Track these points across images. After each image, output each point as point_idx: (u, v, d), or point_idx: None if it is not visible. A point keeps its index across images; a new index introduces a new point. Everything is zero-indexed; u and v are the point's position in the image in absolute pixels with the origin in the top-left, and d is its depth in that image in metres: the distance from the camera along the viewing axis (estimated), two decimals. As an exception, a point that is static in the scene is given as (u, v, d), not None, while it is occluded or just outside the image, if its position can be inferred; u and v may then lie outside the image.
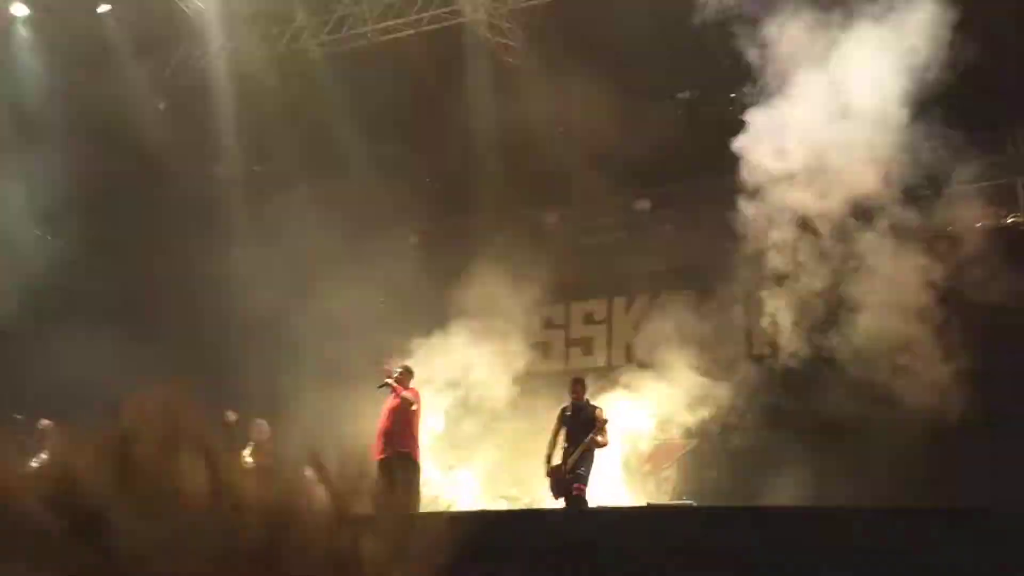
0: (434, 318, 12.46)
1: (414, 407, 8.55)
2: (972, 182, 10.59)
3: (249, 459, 10.19)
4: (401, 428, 8.38)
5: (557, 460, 8.72)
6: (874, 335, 9.33)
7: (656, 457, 11.45)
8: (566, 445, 8.68)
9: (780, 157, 9.81)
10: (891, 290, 9.29)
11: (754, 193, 10.03)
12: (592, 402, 9.11)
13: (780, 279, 10.62)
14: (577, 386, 8.99)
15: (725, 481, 10.77)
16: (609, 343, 13.18)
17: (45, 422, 10.55)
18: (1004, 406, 9.06)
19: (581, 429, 8.60)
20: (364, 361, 12.42)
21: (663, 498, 10.80)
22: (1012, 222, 11.20)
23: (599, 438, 8.53)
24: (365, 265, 12.43)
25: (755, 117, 9.87)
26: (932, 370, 9.00)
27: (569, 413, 8.84)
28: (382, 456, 8.16)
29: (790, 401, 10.78)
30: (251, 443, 10.30)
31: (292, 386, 12.36)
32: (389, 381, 8.52)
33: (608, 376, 11.85)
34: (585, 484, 8.41)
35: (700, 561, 4.46)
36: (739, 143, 9.93)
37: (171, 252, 13.46)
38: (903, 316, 9.19)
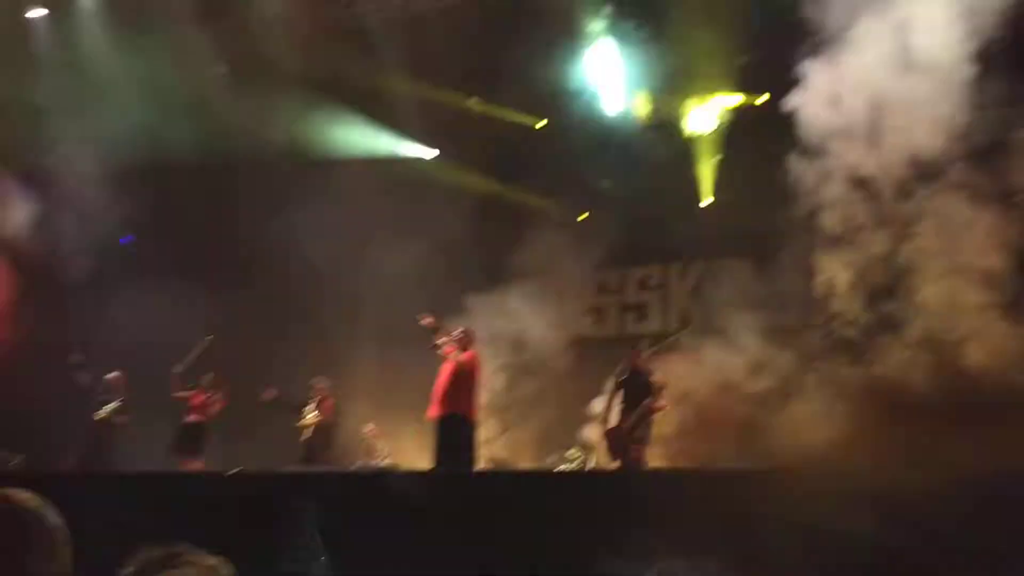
0: (490, 278, 12.56)
1: (471, 370, 8.62)
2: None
3: (311, 417, 10.52)
4: (457, 389, 8.44)
5: (613, 423, 8.77)
6: (941, 301, 9.10)
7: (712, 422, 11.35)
8: (623, 408, 8.72)
9: (837, 111, 9.49)
10: (958, 254, 9.01)
11: (809, 151, 9.77)
12: (649, 367, 9.12)
13: (837, 241, 10.39)
14: (635, 352, 9.03)
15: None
16: (664, 309, 13.14)
17: (114, 373, 11.05)
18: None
19: (638, 393, 8.65)
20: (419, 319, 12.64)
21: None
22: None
23: (657, 403, 8.59)
24: (422, 223, 12.59)
25: (812, 70, 9.53)
26: (1003, 337, 8.77)
27: (626, 377, 8.88)
28: (437, 415, 8.30)
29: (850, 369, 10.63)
30: (312, 402, 10.58)
31: (349, 345, 12.61)
32: (444, 340, 8.57)
33: (663, 342, 11.82)
34: (644, 446, 8.47)
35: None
36: (794, 99, 9.62)
37: (230, 215, 13.71)
38: (971, 281, 8.93)
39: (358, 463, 10.94)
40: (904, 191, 9.51)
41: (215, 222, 13.67)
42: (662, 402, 8.69)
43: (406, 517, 5.50)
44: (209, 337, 11.17)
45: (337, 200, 12.52)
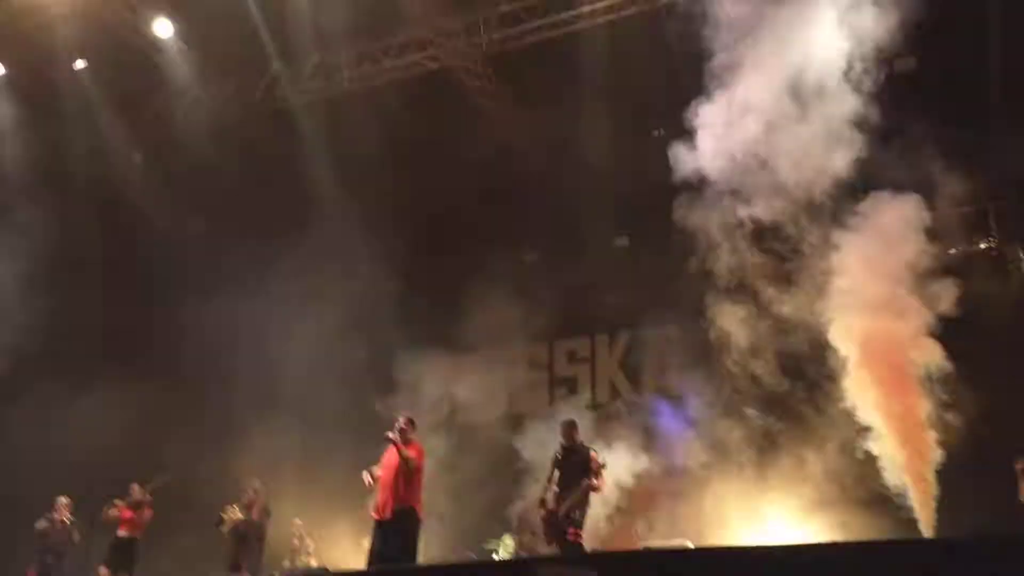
0: (418, 358, 12.49)
1: (416, 464, 8.30)
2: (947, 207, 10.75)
3: (232, 513, 10.17)
4: (404, 483, 8.17)
5: (551, 504, 8.60)
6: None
7: (645, 497, 11.36)
8: (558, 489, 8.57)
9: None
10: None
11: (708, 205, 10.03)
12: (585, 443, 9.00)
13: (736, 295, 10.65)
14: (569, 429, 8.87)
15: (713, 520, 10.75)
16: (593, 381, 13.20)
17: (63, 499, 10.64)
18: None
19: (574, 472, 8.50)
20: (347, 406, 12.52)
21: (656, 539, 10.72)
22: (984, 248, 11.39)
23: (594, 481, 8.44)
24: (346, 309, 12.47)
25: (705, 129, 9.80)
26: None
27: (561, 456, 8.74)
28: (381, 517, 7.99)
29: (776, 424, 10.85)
30: (241, 502, 10.30)
31: (269, 435, 12.34)
32: (391, 436, 8.30)
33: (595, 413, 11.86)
34: (580, 528, 8.31)
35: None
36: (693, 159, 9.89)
37: (153, 304, 13.39)
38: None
39: (284, 565, 10.54)
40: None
41: (126, 317, 13.30)
42: (600, 481, 8.51)
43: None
44: (168, 476, 10.85)
45: (251, 280, 12.43)
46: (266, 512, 10.55)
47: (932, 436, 8.87)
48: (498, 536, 10.10)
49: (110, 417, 12.04)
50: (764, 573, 4.58)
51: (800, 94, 9.28)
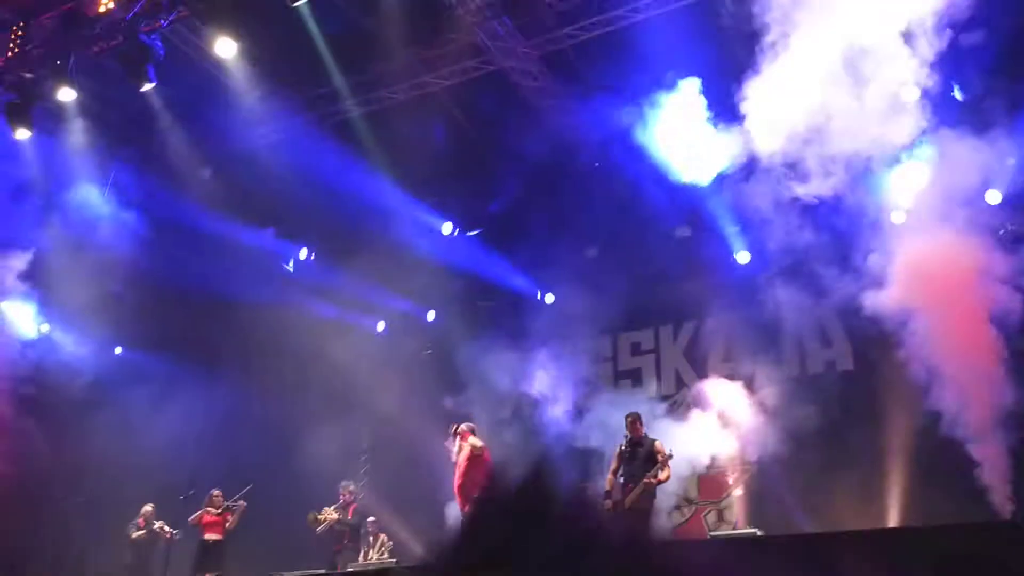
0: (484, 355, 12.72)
1: (482, 455, 8.86)
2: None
3: (328, 513, 10.72)
4: (472, 479, 8.61)
5: (617, 497, 8.69)
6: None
7: (715, 486, 11.35)
8: (624, 481, 8.65)
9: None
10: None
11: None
12: (650, 435, 9.08)
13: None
14: (634, 421, 8.95)
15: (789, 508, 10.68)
16: (659, 372, 13.22)
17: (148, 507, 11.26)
18: None
19: (640, 465, 8.58)
20: (416, 403, 12.86)
21: (726, 528, 10.72)
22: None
23: (660, 475, 8.49)
24: (411, 307, 12.70)
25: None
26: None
27: (628, 449, 8.82)
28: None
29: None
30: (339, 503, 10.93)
31: (352, 436, 12.70)
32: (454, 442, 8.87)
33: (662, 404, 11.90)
34: (647, 519, 8.38)
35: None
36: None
37: (220, 316, 13.87)
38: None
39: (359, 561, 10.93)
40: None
41: (202, 325, 13.80)
42: (664, 473, 8.55)
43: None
44: (249, 487, 11.50)
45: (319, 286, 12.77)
46: (361, 514, 11.02)
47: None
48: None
49: (188, 422, 12.63)
50: (829, 558, 4.61)
51: (855, 67, 9.16)
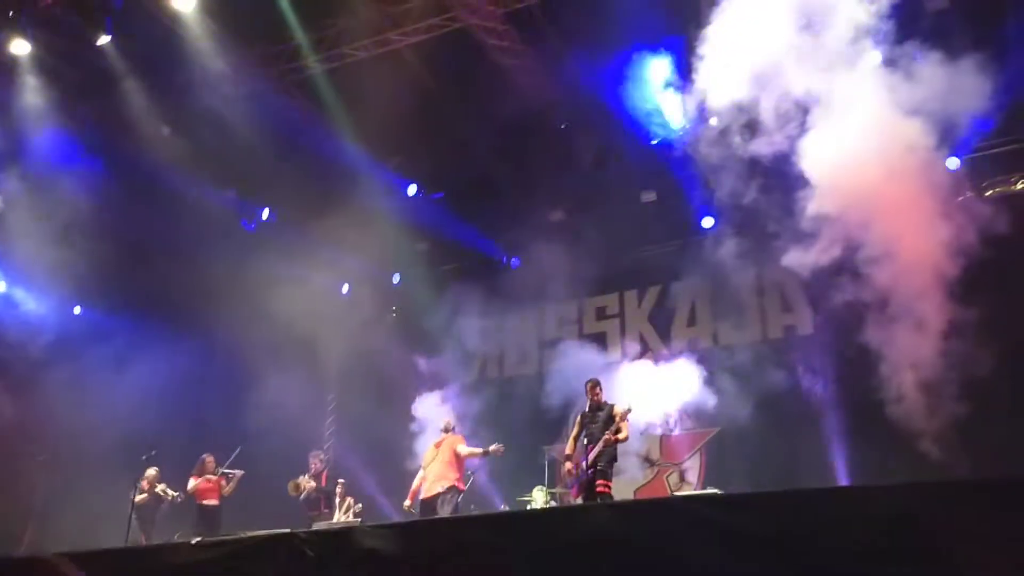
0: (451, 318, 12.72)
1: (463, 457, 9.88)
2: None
3: (303, 482, 10.78)
4: (451, 470, 9.77)
5: (577, 459, 8.76)
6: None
7: (677, 448, 11.47)
8: (587, 443, 8.71)
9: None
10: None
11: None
12: (609, 401, 9.11)
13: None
14: (593, 387, 9.00)
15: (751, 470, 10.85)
16: (623, 336, 13.29)
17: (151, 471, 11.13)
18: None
19: (600, 427, 8.63)
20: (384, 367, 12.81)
21: (687, 489, 10.87)
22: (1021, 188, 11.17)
23: (619, 435, 8.56)
24: (376, 270, 12.63)
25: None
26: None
27: (588, 414, 8.88)
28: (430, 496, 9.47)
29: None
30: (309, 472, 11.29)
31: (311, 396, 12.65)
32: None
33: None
34: (608, 479, 8.46)
35: (731, 548, 4.53)
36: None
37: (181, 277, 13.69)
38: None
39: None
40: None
41: (162, 284, 13.62)
42: (623, 433, 8.61)
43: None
44: (237, 451, 11.51)
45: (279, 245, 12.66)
46: (333, 480, 11.09)
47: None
48: (529, 489, 10.30)
49: (150, 381, 12.51)
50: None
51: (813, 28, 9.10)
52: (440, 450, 9.96)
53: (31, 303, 13.52)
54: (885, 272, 9.14)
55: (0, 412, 12.77)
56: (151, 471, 11.28)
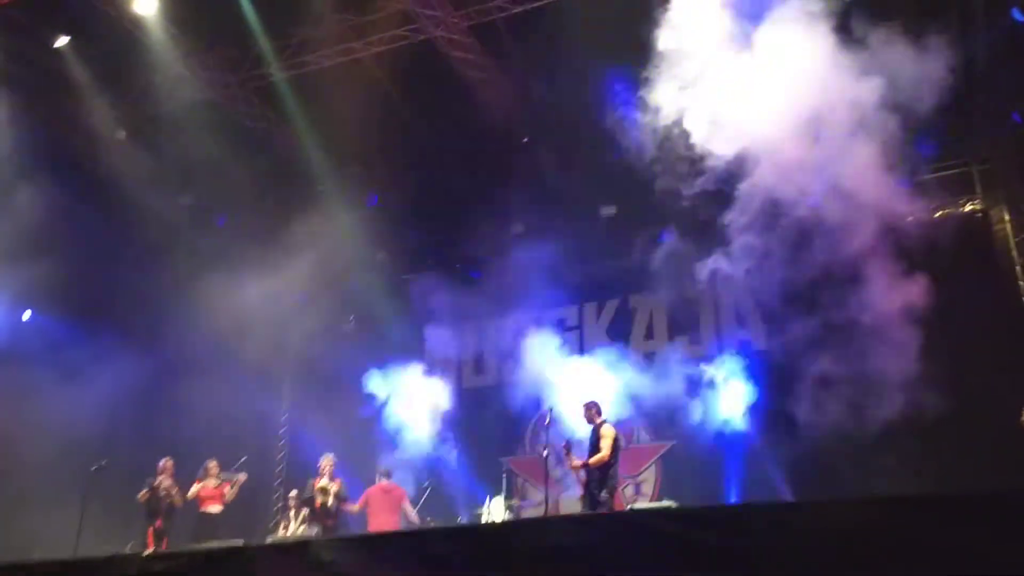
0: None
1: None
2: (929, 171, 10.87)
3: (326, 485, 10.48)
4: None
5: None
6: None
7: (633, 461, 11.59)
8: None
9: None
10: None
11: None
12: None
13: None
14: (588, 409, 9.08)
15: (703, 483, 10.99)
16: (581, 349, 13.38)
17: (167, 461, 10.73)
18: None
19: (590, 452, 8.69)
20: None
21: (643, 501, 10.97)
22: (970, 209, 11.53)
23: (595, 457, 8.52)
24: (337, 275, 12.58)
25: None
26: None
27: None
28: None
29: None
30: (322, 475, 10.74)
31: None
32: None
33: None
34: (604, 501, 8.43)
35: (685, 561, 4.59)
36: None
37: (135, 284, 13.48)
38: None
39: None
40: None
41: (122, 291, 13.38)
42: (602, 453, 8.42)
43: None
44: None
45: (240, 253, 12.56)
46: (339, 480, 10.70)
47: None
48: (487, 500, 10.34)
49: (100, 391, 12.25)
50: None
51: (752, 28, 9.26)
52: (388, 499, 10.08)
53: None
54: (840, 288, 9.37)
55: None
56: (163, 461, 10.85)
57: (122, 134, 12.96)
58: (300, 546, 5.88)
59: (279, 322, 13.27)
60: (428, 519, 10.49)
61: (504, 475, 11.25)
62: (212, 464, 11.03)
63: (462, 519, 11.00)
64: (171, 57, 11.81)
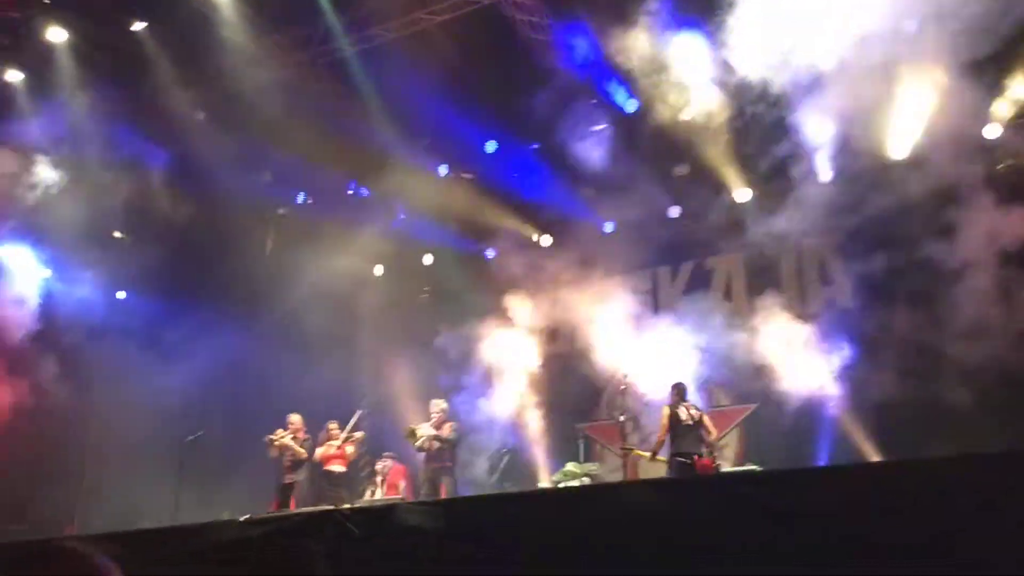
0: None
1: None
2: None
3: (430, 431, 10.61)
4: None
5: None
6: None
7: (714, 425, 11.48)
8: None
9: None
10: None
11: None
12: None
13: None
14: (673, 390, 9.67)
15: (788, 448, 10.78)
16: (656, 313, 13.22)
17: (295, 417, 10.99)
18: None
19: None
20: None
21: (725, 465, 10.84)
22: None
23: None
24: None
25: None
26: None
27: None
28: None
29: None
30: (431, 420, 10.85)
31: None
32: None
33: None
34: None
35: (770, 526, 4.51)
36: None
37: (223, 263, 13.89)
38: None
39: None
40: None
41: (209, 267, 13.81)
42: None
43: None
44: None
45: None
46: (458, 431, 10.70)
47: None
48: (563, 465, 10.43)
49: (192, 364, 12.74)
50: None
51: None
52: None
53: (76, 289, 13.73)
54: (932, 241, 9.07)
55: (49, 398, 13.01)
56: (294, 416, 10.98)
57: (201, 115, 13.28)
58: (388, 510, 6.01)
59: (360, 294, 13.47)
60: (506, 485, 10.59)
61: (581, 441, 11.26)
62: (332, 425, 11.08)
63: (541, 485, 11.08)
64: (244, 38, 12.00)
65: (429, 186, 13.41)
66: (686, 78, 11.15)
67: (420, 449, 10.50)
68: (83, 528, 12.03)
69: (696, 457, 9.15)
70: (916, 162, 10.00)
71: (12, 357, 12.67)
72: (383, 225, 13.50)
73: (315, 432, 11.06)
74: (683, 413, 9.54)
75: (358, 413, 11.27)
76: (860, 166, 10.49)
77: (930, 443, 9.23)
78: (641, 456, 9.97)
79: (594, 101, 12.58)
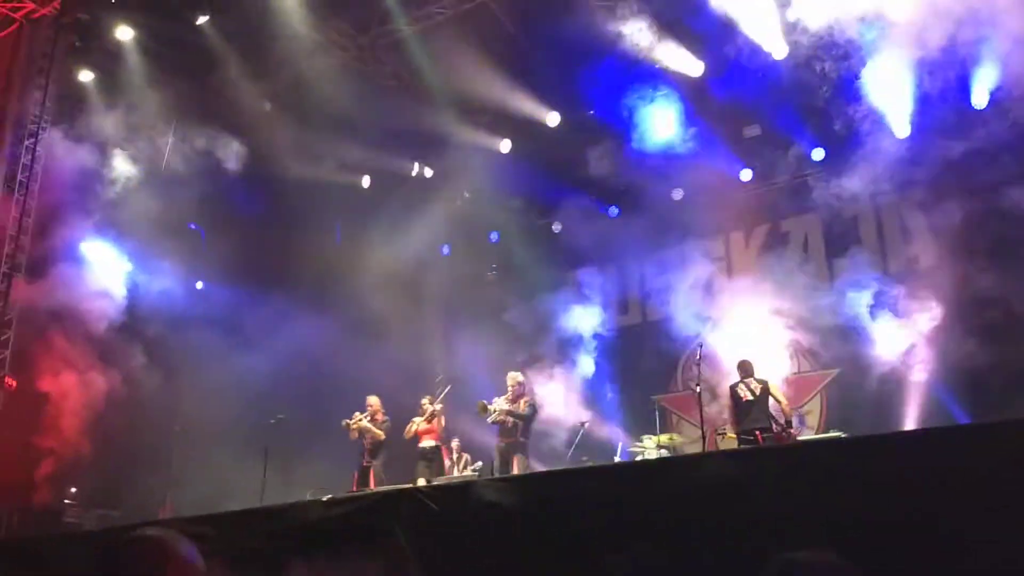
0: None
1: None
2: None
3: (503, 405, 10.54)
4: None
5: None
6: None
7: (796, 391, 11.19)
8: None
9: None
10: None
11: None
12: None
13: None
14: (737, 369, 9.55)
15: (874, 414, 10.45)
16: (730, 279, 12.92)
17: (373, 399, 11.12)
18: None
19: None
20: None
21: (808, 433, 10.58)
22: None
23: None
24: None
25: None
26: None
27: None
28: None
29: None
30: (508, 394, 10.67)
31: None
32: None
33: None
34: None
35: (857, 493, 4.35)
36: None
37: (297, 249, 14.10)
38: None
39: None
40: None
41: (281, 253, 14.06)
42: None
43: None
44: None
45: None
46: (533, 406, 10.57)
47: None
48: (640, 438, 10.33)
49: (270, 350, 13.01)
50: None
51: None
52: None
53: (156, 281, 14.13)
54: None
55: (138, 387, 13.46)
56: (373, 398, 11.05)
57: (267, 105, 13.47)
58: (465, 486, 6.03)
59: (429, 274, 13.55)
60: (583, 459, 10.53)
61: (656, 413, 11.12)
62: (424, 401, 11.14)
63: (619, 458, 10.99)
64: (304, 26, 12.09)
65: (492, 163, 13.35)
66: (753, 36, 10.81)
67: (494, 423, 10.51)
68: (175, 511, 12.43)
69: (757, 432, 8.99)
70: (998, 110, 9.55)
71: (102, 348, 13.11)
72: (448, 204, 13.49)
73: (393, 412, 11.16)
74: (742, 391, 9.41)
75: (448, 387, 11.36)
76: (937, 117, 10.04)
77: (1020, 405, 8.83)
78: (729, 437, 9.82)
79: (659, 66, 12.28)
